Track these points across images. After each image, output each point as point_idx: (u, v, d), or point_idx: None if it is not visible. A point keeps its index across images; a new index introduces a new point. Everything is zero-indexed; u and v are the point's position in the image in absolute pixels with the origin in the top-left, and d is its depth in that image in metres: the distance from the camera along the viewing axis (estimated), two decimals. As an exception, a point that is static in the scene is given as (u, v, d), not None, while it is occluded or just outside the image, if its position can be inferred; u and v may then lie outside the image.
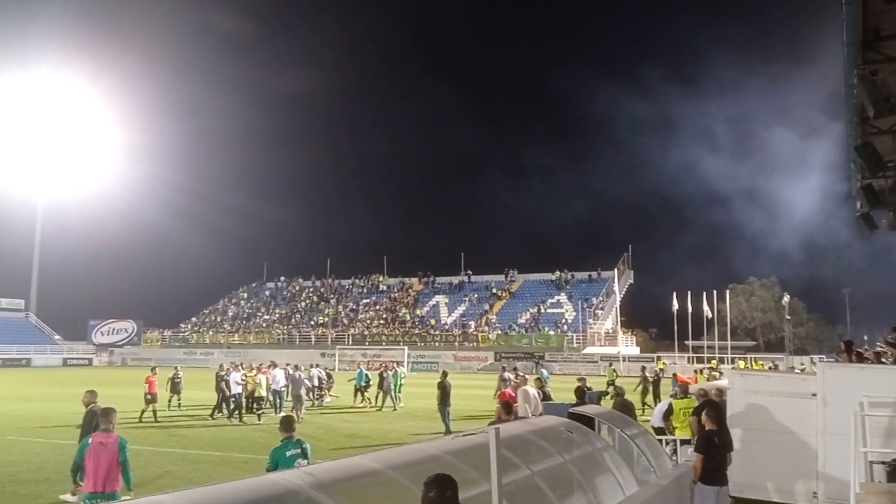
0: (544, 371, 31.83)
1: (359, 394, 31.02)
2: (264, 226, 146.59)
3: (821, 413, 10.94)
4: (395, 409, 29.18)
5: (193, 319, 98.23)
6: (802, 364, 48.99)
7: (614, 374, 33.91)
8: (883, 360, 18.95)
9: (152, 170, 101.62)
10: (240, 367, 27.89)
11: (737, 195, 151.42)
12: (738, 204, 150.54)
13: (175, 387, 28.20)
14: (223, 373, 26.03)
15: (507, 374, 23.26)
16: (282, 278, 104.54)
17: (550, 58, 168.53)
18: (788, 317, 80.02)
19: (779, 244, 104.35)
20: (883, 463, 9.22)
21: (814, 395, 11.17)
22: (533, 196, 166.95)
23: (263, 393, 25.75)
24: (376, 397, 30.05)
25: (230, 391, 25.25)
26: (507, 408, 12.14)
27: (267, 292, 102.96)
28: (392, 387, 29.46)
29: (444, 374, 23.88)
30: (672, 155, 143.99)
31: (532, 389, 17.49)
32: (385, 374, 29.69)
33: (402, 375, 31.97)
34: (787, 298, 77.36)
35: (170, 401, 27.71)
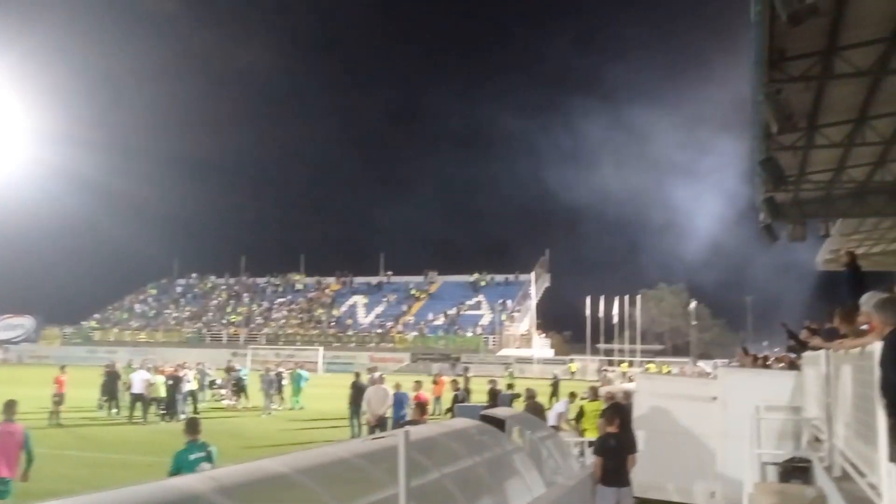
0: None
1: (242, 394, 29.99)
2: (176, 220, 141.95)
3: (721, 416, 11.37)
4: (292, 409, 28.77)
5: (97, 316, 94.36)
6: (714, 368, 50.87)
7: (511, 377, 34.25)
8: (777, 364, 19.93)
9: (53, 157, 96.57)
10: (149, 366, 27.03)
11: (651, 203, 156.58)
12: (651, 212, 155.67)
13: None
14: (121, 370, 25.16)
15: (376, 374, 23.11)
16: (193, 275, 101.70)
17: (468, 57, 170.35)
18: (695, 322, 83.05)
19: (689, 252, 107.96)
20: (775, 464, 9.65)
21: (714, 398, 11.59)
22: (454, 197, 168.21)
23: (163, 394, 24.95)
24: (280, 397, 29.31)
25: (134, 390, 24.39)
26: (422, 409, 12.13)
27: (178, 289, 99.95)
28: (272, 388, 28.51)
29: (358, 374, 23.58)
30: (589, 162, 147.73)
31: (388, 389, 17.75)
32: (267, 376, 28.57)
33: (305, 377, 31.31)
34: (693, 304, 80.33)
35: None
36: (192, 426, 9.21)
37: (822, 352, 8.46)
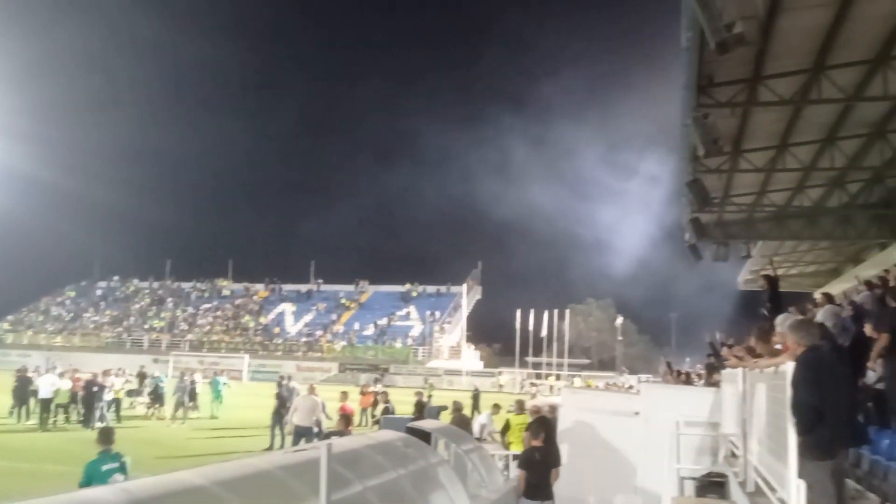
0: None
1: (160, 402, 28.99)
2: (98, 219, 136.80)
3: (642, 431, 11.58)
4: (214, 418, 28.11)
5: (10, 318, 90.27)
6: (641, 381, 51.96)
7: (431, 388, 34.17)
8: (693, 380, 20.50)
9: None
10: (59, 371, 25.96)
11: (581, 219, 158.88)
12: (581, 228, 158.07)
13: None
14: (31, 373, 24.14)
15: (293, 384, 22.85)
16: (115, 278, 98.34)
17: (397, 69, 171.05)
18: (620, 337, 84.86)
19: (617, 268, 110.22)
20: (693, 478, 9.88)
21: (637, 413, 11.81)
22: (387, 207, 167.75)
23: (68, 400, 24.05)
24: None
25: (41, 394, 23.43)
26: (346, 420, 11.99)
27: (98, 292, 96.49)
28: (185, 396, 27.78)
29: (280, 383, 23.06)
30: (521, 177, 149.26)
31: (317, 399, 17.62)
32: (180, 383, 27.79)
33: (223, 384, 30.55)
34: (620, 320, 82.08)
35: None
36: (105, 435, 8.87)
37: (739, 369, 8.72)
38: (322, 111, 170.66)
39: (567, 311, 74.77)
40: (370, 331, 78.41)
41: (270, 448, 19.59)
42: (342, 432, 10.73)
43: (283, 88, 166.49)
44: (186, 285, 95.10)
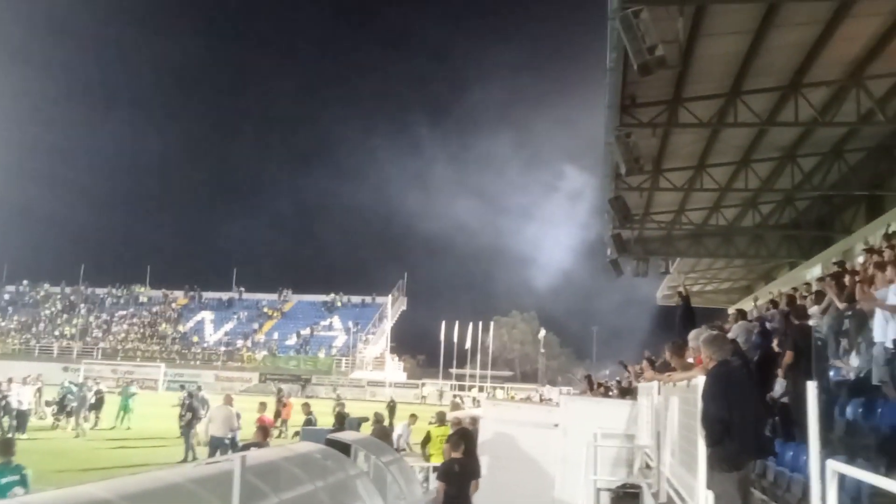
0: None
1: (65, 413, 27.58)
2: (7, 220, 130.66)
3: (561, 443, 11.72)
4: (128, 429, 27.17)
5: None
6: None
7: (338, 399, 33.53)
8: (609, 393, 20.93)
9: None
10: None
11: (507, 232, 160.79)
12: (507, 241, 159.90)
13: None
14: None
15: (202, 394, 22.34)
16: (24, 282, 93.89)
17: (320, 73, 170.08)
18: (543, 350, 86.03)
19: (542, 282, 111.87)
20: (609, 490, 10.05)
21: (556, 425, 11.95)
22: (313, 216, 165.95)
23: None
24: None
25: None
26: (264, 431, 11.73)
27: (6, 296, 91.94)
28: (85, 406, 26.69)
29: (190, 393, 22.33)
30: (449, 189, 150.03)
31: (233, 409, 17.32)
32: (79, 392, 26.75)
33: (133, 393, 29.48)
34: (542, 333, 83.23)
35: None
36: (5, 447, 8.41)
37: (654, 383, 8.93)
38: (240, 115, 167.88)
39: (492, 324, 75.43)
40: (292, 340, 77.18)
41: (185, 460, 18.98)
42: (259, 444, 10.47)
43: (201, 90, 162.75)
44: (101, 291, 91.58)
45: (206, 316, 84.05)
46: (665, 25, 12.31)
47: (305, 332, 78.44)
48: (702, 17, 13.76)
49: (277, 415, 23.25)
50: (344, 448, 9.99)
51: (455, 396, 40.85)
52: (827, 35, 14.53)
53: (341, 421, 16.62)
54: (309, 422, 19.87)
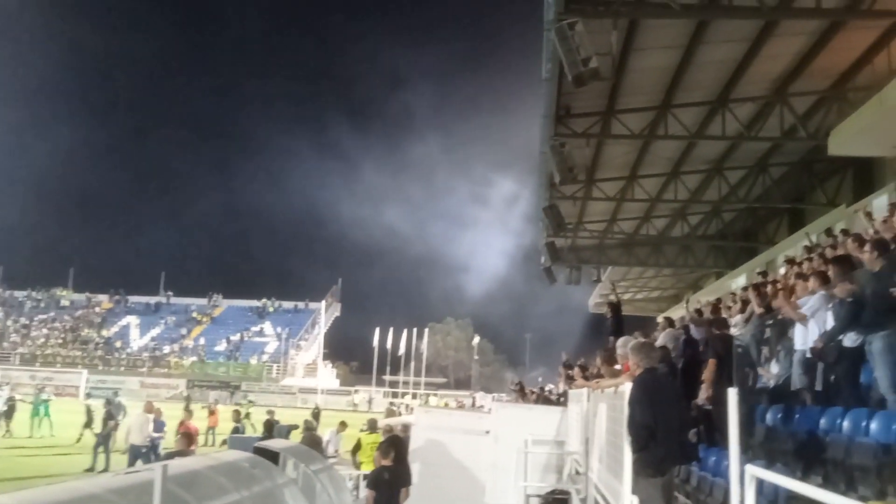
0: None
1: None
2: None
3: (492, 449, 11.74)
4: (44, 437, 26.11)
5: None
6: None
7: (248, 405, 32.76)
8: (549, 397, 21.13)
9: None
10: None
11: (444, 239, 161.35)
12: (444, 247, 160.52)
13: None
14: None
15: (118, 400, 21.71)
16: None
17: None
18: (477, 357, 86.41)
19: (477, 288, 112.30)
20: (538, 496, 10.10)
21: (487, 432, 11.96)
22: (245, 219, 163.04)
23: None
24: None
25: None
26: (188, 439, 11.36)
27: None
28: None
29: (108, 400, 21.51)
30: (386, 195, 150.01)
31: (149, 417, 16.85)
32: None
33: (44, 400, 28.28)
34: (476, 339, 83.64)
35: None
36: None
37: (584, 389, 9.01)
38: (166, 114, 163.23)
39: (426, 330, 75.34)
40: (222, 346, 75.53)
41: (92, 469, 18.30)
42: (182, 452, 10.14)
43: (125, 87, 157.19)
44: (20, 294, 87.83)
45: (132, 321, 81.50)
46: (599, 38, 12.53)
47: (236, 337, 76.87)
48: (635, 32, 14.08)
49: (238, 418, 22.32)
50: (272, 456, 9.77)
51: (392, 404, 40.59)
52: (753, 52, 15.05)
53: (270, 429, 16.25)
54: (237, 430, 19.40)
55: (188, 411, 19.07)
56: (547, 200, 21.90)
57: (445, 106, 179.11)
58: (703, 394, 8.37)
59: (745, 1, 12.02)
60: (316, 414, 29.95)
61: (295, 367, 73.18)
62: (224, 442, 19.44)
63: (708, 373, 8.32)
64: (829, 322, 7.39)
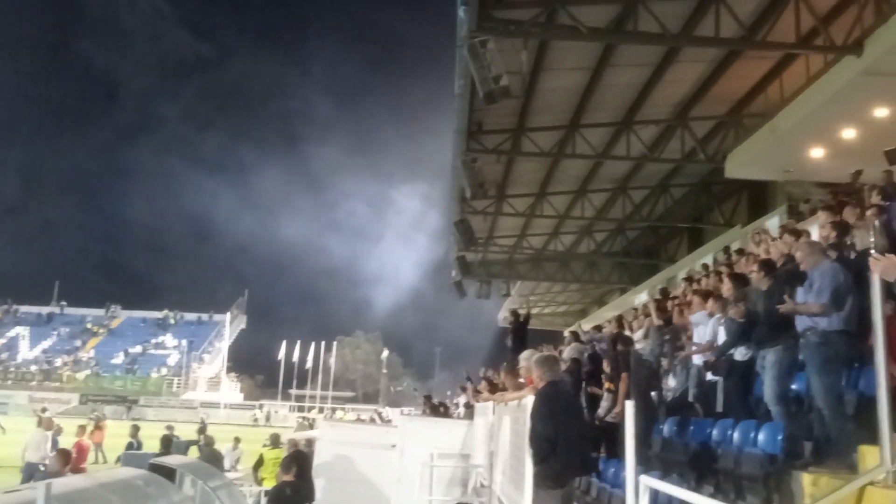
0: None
1: None
2: None
3: (397, 463, 11.65)
4: None
5: None
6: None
7: (133, 421, 31.35)
8: (454, 412, 21.19)
9: None
10: None
11: (355, 252, 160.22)
12: (354, 260, 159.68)
13: None
14: None
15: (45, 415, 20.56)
16: None
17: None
18: (385, 371, 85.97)
19: (387, 302, 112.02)
20: (443, 510, 10.08)
21: (393, 446, 11.87)
22: (148, 228, 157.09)
23: None
24: None
25: None
26: (64, 457, 10.69)
27: None
28: None
29: None
30: (295, 207, 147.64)
31: (47, 434, 16.05)
32: None
33: None
34: (385, 353, 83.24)
35: None
36: None
37: (490, 402, 9.08)
38: (59, 114, 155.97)
39: (335, 344, 74.50)
40: (119, 359, 72.38)
41: None
42: (58, 473, 9.58)
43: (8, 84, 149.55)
44: None
45: (21, 331, 77.11)
46: (510, 57, 12.74)
47: (134, 350, 73.86)
48: (545, 52, 14.38)
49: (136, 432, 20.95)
50: (169, 473, 9.41)
51: (304, 419, 39.71)
52: (656, 77, 15.63)
53: (167, 444, 15.68)
54: (131, 445, 18.60)
55: (82, 427, 18.18)
56: (458, 215, 22.05)
57: (356, 118, 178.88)
58: (617, 407, 8.56)
59: (650, 27, 12.44)
60: (202, 429, 28.70)
61: (197, 380, 70.83)
62: (118, 459, 18.61)
63: (623, 387, 8.52)
64: (721, 336, 7.70)
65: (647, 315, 12.08)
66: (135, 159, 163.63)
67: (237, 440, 18.42)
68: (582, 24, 12.22)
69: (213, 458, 13.32)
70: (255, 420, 58.47)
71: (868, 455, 5.24)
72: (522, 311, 18.92)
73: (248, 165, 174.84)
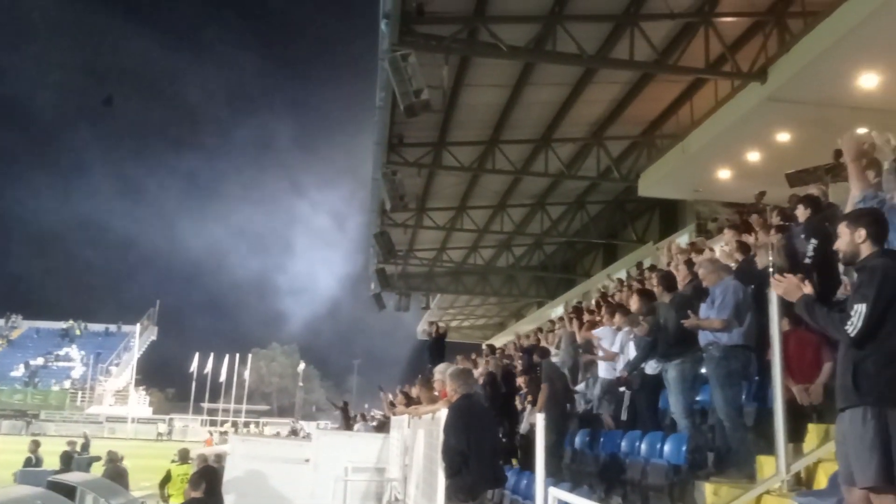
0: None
1: None
2: None
3: (311, 478, 11.46)
4: None
5: None
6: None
7: (33, 437, 29.83)
8: (369, 421, 21.07)
9: None
10: None
11: (272, 263, 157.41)
12: (271, 271, 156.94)
13: None
14: None
15: None
16: None
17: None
18: (301, 383, 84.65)
19: (304, 313, 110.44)
20: (357, 525, 9.98)
21: (307, 460, 11.67)
22: (50, 234, 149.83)
23: None
24: None
25: None
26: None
27: None
28: None
29: None
30: (209, 217, 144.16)
31: None
32: None
33: None
34: (302, 366, 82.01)
35: None
36: None
37: (405, 416, 9.05)
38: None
39: (249, 356, 72.89)
40: (20, 371, 68.75)
41: None
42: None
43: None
44: None
45: None
46: (431, 71, 12.82)
47: (36, 361, 70.31)
48: (466, 68, 14.56)
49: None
50: (68, 491, 9.04)
51: (224, 433, 38.45)
52: (574, 97, 16.02)
53: (67, 461, 14.96)
54: (30, 461, 17.64)
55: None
56: (378, 227, 22.00)
57: (273, 125, 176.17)
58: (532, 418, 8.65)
59: (568, 48, 12.75)
60: (85, 445, 27.30)
61: (103, 394, 67.94)
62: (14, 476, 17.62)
63: (542, 398, 8.62)
64: (629, 349, 7.93)
65: (563, 328, 12.32)
66: (37, 165, 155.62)
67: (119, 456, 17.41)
68: (502, 43, 12.44)
69: (117, 474, 12.80)
70: (160, 435, 56.45)
71: (766, 465, 5.48)
72: (442, 325, 19.00)
73: (158, 171, 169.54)
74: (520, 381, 10.15)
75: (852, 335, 3.39)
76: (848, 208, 4.99)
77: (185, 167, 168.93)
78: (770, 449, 5.31)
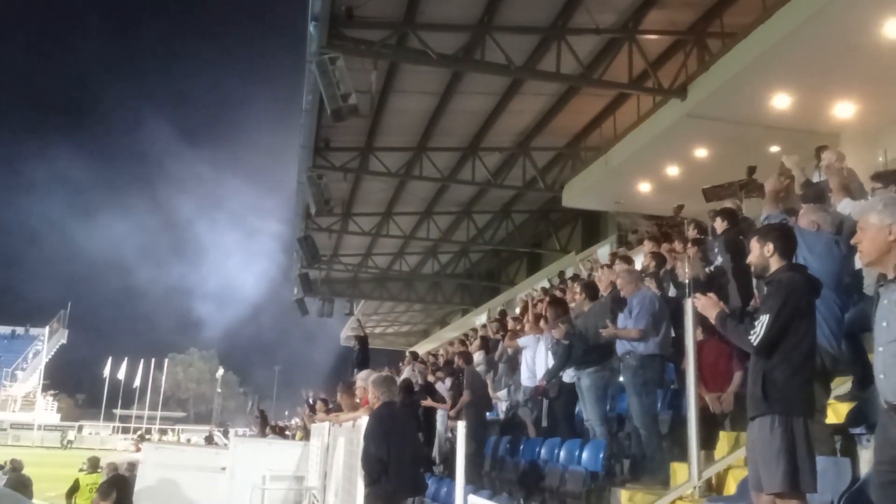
0: None
1: None
2: None
3: (227, 487, 11.18)
4: None
5: None
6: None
7: None
8: (287, 432, 20.74)
9: None
10: None
11: (191, 265, 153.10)
12: (189, 275, 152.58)
13: None
14: None
15: None
16: None
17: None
18: (220, 390, 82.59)
19: (224, 318, 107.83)
20: (274, 534, 9.76)
21: (224, 468, 11.38)
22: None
23: None
24: None
25: None
26: None
27: None
28: None
29: None
30: (124, 216, 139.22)
31: None
32: None
33: None
34: (220, 372, 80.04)
35: None
36: None
37: (326, 423, 8.93)
38: None
39: (166, 361, 70.74)
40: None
41: None
42: None
43: None
44: None
45: None
46: (360, 76, 12.74)
47: (-65, 365, 66.57)
48: (395, 74, 14.54)
49: None
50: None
51: (139, 441, 36.95)
52: (501, 107, 16.19)
53: (-34, 470, 14.17)
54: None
55: None
56: (302, 231, 21.71)
57: (196, 125, 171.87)
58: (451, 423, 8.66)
59: (496, 58, 12.88)
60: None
61: (8, 399, 64.73)
62: None
63: (460, 405, 8.63)
64: (550, 360, 8.03)
65: (484, 337, 12.41)
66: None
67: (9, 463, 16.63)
68: (432, 50, 12.46)
69: (20, 484, 12.15)
70: (67, 442, 54.08)
71: (679, 471, 5.62)
72: (359, 332, 18.90)
73: (67, 163, 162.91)
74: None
75: (755, 344, 3.57)
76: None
77: (96, 162, 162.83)
78: (683, 456, 5.46)
